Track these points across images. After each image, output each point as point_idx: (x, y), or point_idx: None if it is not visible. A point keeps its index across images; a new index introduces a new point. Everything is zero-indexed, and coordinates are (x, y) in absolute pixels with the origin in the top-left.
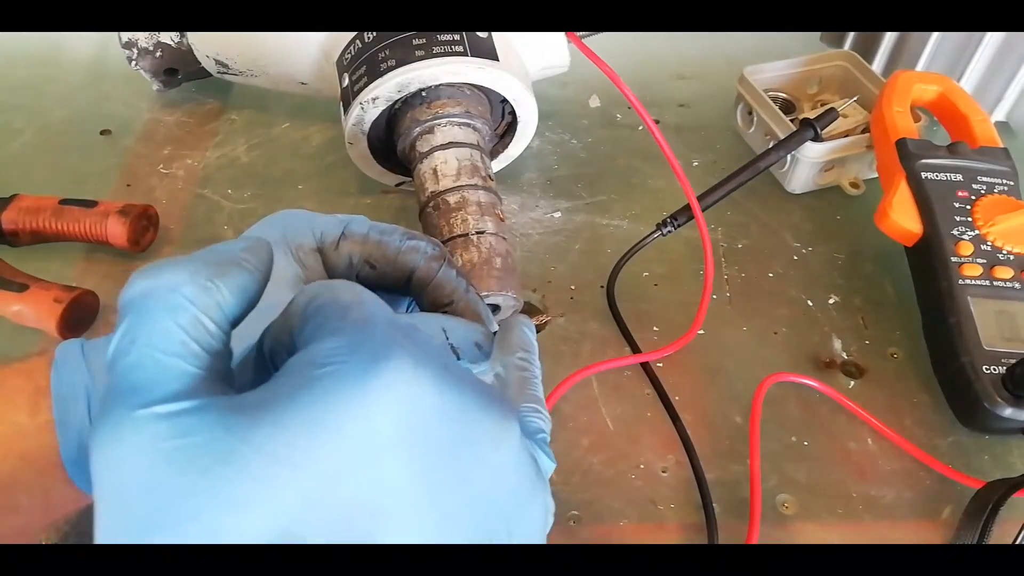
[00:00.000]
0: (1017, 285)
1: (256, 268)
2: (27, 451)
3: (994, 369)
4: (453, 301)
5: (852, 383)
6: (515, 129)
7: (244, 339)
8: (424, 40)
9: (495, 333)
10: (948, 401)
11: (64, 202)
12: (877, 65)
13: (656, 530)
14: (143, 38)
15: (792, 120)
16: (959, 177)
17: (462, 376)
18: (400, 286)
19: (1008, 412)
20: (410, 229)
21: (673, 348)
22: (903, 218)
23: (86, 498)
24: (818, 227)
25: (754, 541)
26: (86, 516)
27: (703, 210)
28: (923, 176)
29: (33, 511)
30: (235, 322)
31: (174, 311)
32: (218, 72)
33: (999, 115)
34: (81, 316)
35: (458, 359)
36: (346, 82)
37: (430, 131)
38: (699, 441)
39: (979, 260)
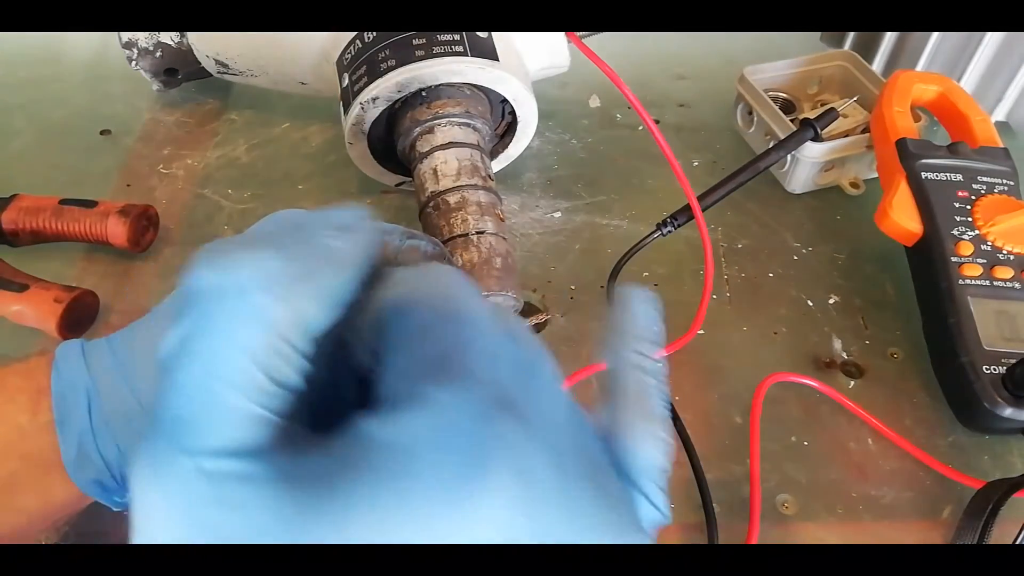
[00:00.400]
0: (1017, 285)
1: (352, 262)
2: (28, 451)
3: (994, 369)
4: None
5: (852, 383)
6: (515, 129)
7: None
8: (424, 40)
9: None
10: (948, 401)
11: (64, 202)
12: (877, 65)
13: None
14: (143, 38)
15: (792, 120)
16: (959, 177)
17: (575, 474)
18: None
19: (1008, 412)
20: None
21: (673, 348)
22: (903, 218)
23: (87, 499)
24: (818, 227)
25: (754, 541)
26: (86, 517)
27: (703, 210)
28: (923, 176)
29: (34, 512)
30: (321, 337)
31: (244, 326)
32: (218, 72)
33: (999, 115)
34: (81, 316)
35: None
36: (346, 82)
37: (430, 131)
38: (699, 441)
39: (979, 260)
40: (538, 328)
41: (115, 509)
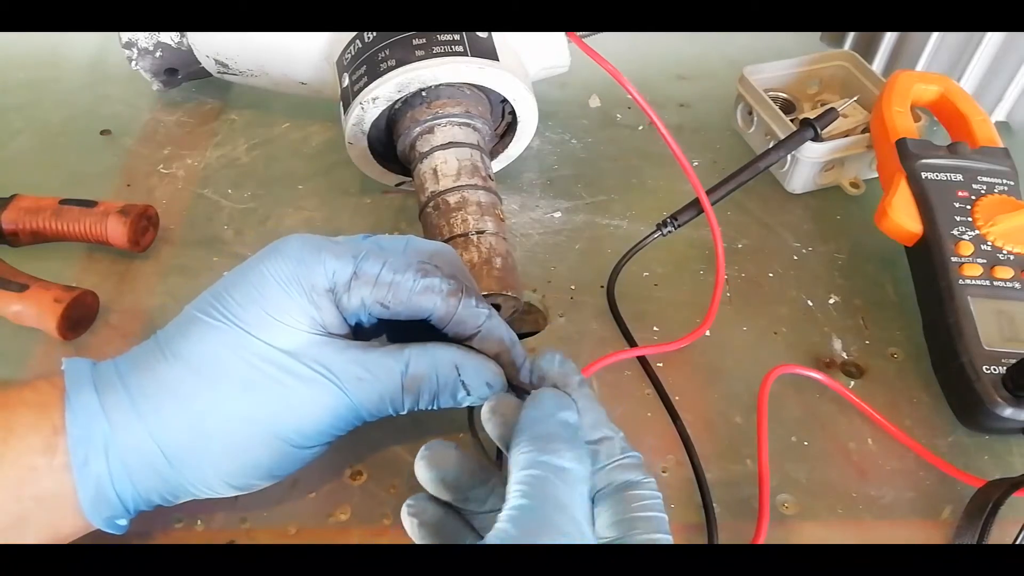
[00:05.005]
0: (1017, 285)
1: None
2: (41, 493)
3: (994, 369)
4: (479, 327)
5: (852, 383)
6: (515, 129)
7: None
8: (424, 40)
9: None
10: (948, 401)
11: (64, 202)
12: (877, 65)
13: None
14: (143, 38)
15: (792, 120)
16: (959, 177)
17: None
18: (418, 321)
19: (1008, 412)
20: (419, 236)
21: (676, 347)
22: (903, 218)
23: (90, 527)
24: (818, 227)
25: (761, 540)
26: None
27: (702, 211)
28: (923, 176)
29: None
30: None
31: None
32: (218, 72)
33: (999, 115)
34: (81, 316)
35: (468, 394)
36: (346, 82)
37: (430, 131)
38: (699, 441)
39: (979, 260)
40: (531, 334)
41: (116, 533)
